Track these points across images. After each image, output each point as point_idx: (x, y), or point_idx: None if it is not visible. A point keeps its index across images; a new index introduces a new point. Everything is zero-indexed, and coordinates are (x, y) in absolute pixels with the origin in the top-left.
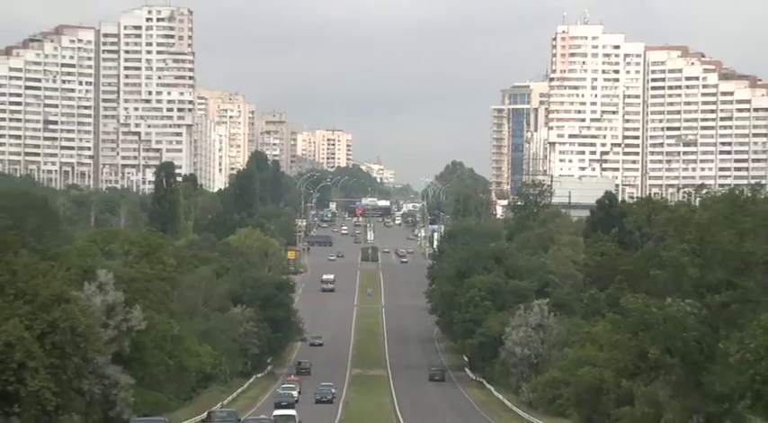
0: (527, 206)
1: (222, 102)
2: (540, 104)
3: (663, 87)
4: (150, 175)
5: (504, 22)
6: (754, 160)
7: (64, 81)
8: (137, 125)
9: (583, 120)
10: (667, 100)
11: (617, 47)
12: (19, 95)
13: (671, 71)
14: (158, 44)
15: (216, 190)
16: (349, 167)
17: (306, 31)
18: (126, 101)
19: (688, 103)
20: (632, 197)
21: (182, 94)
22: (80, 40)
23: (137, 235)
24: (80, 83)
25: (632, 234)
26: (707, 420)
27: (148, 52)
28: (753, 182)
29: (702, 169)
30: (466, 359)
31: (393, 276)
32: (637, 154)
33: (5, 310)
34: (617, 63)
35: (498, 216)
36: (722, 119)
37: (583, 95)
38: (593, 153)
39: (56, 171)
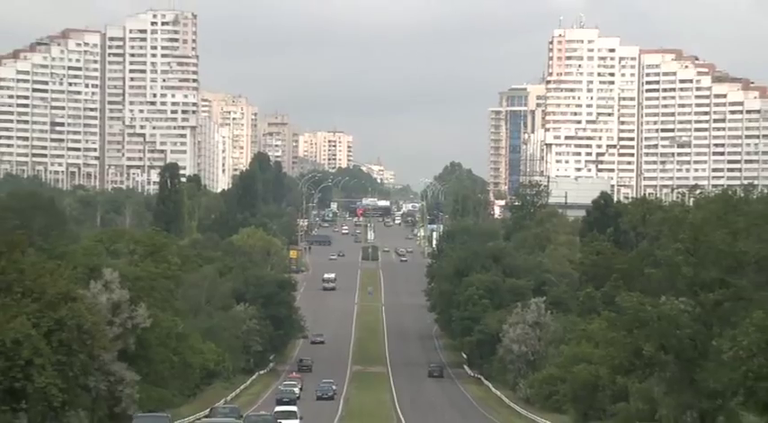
0: (524, 206)
1: (225, 104)
2: (537, 106)
3: (657, 90)
4: (155, 176)
5: (501, 26)
6: (746, 161)
7: (70, 84)
8: (142, 127)
9: (579, 122)
10: (662, 102)
11: (612, 50)
12: (26, 98)
13: (665, 74)
14: (163, 47)
15: (219, 190)
16: (350, 168)
17: (307, 34)
18: (131, 103)
19: (682, 106)
20: (627, 197)
21: (186, 96)
22: (86, 44)
23: (142, 234)
24: (86, 85)
25: (627, 233)
26: (700, 416)
27: (153, 55)
28: (745, 182)
29: (696, 170)
30: (464, 356)
31: (393, 275)
32: (632, 155)
33: (13, 308)
34: (612, 66)
35: (496, 216)
36: (715, 121)
37: (579, 98)
38: (588, 154)
39: (62, 172)
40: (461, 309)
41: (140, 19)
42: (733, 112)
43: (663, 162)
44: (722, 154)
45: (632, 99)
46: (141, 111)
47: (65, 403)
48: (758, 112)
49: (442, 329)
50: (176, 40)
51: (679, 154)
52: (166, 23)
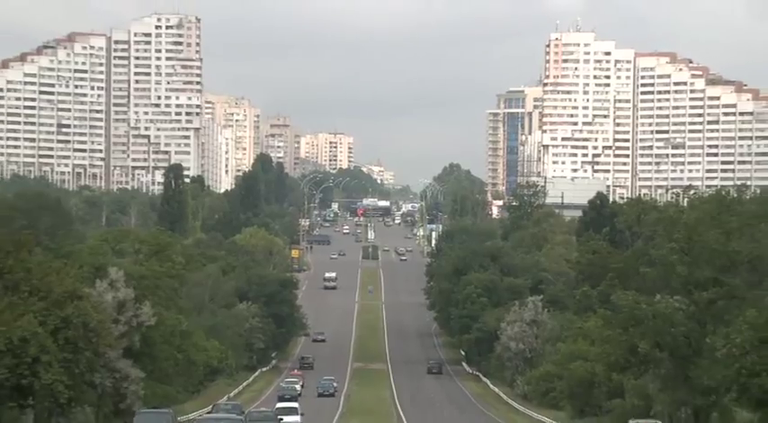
0: (522, 206)
1: (228, 106)
2: (535, 108)
3: (652, 92)
4: (159, 177)
5: (499, 30)
6: (739, 162)
7: (76, 86)
8: (146, 128)
9: (575, 123)
10: (656, 104)
11: (608, 53)
12: (33, 100)
13: (660, 77)
14: (167, 51)
15: (222, 191)
16: (350, 169)
17: (308, 37)
18: (136, 105)
19: (676, 108)
20: (623, 198)
21: (190, 98)
22: (92, 47)
23: (146, 234)
24: (92, 88)
25: (623, 233)
26: (694, 412)
27: (158, 58)
28: (738, 183)
29: (690, 171)
30: (463, 353)
31: (393, 274)
32: (627, 156)
33: (20, 306)
34: (608, 69)
35: (494, 216)
36: (709, 122)
37: (575, 100)
38: (585, 155)
39: (68, 173)
40: (460, 307)
41: (145, 23)
42: (726, 115)
43: (657, 163)
44: (716, 155)
45: (628, 101)
46: (146, 113)
47: (71, 400)
48: (751, 114)
49: (441, 327)
50: (180, 43)
51: (673, 155)
52: (171, 27)
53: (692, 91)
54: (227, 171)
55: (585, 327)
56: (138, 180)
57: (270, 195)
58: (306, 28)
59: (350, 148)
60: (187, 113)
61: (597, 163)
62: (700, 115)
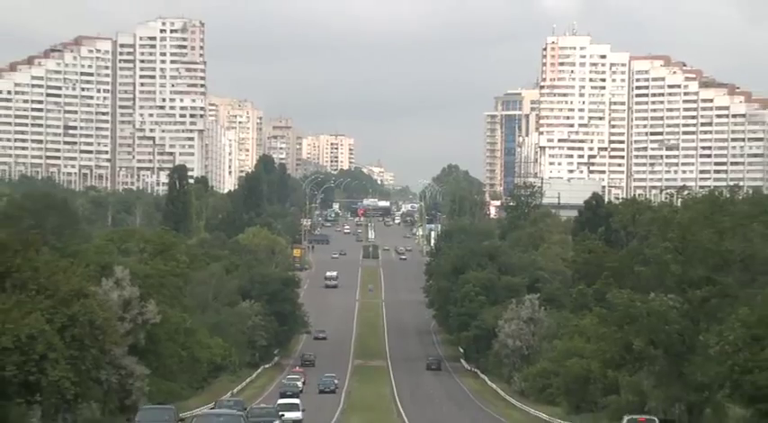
0: (519, 206)
1: (232, 108)
2: (531, 111)
3: (646, 95)
4: (164, 178)
5: (497, 34)
6: (732, 163)
7: (83, 89)
8: (151, 130)
9: (571, 125)
10: (651, 106)
11: (603, 56)
12: (40, 102)
13: (654, 79)
14: (172, 54)
15: (226, 191)
16: (351, 170)
17: (310, 41)
18: (141, 107)
19: (670, 110)
20: (618, 198)
21: (194, 100)
22: (98, 51)
23: (151, 234)
24: (98, 90)
25: (618, 233)
26: (688, 408)
27: (162, 61)
28: (731, 184)
29: (684, 172)
30: (461, 351)
31: (392, 273)
32: (622, 157)
33: (28, 304)
34: (603, 72)
35: (492, 216)
36: (702, 124)
37: (571, 102)
38: (581, 156)
39: (75, 173)
40: (458, 305)
41: (150, 27)
42: (719, 117)
43: (652, 164)
44: (709, 156)
45: (623, 103)
46: (151, 115)
47: (77, 396)
48: (743, 116)
49: (440, 325)
50: (184, 46)
51: (667, 156)
52: (175, 31)
53: (685, 93)
54: (230, 172)
55: (581, 324)
56: (143, 181)
57: (272, 196)
58: (307, 32)
59: (350, 149)
60: (191, 115)
61: (593, 164)
62: (693, 117)
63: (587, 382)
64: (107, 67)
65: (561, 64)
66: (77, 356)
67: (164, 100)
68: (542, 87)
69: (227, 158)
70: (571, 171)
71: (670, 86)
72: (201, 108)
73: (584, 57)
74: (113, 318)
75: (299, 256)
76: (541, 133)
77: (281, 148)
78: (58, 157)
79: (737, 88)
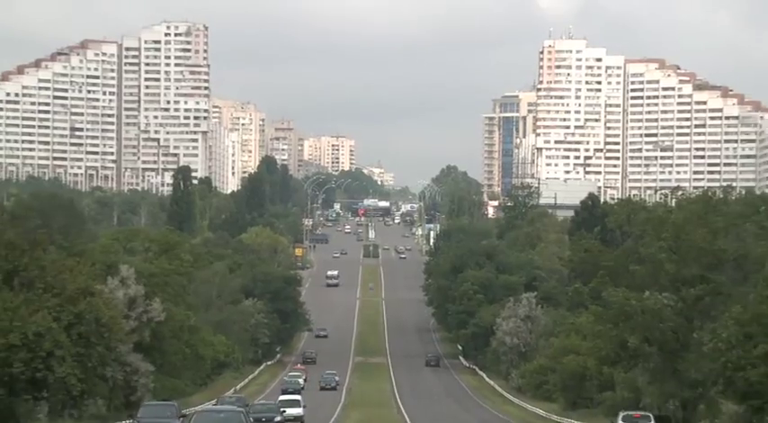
0: (516, 207)
1: (235, 110)
2: (529, 113)
3: (641, 97)
4: (168, 179)
5: (495, 38)
6: (725, 164)
7: (89, 91)
8: (156, 132)
9: (568, 127)
10: (645, 109)
11: (599, 60)
12: (47, 104)
13: (649, 82)
14: (176, 57)
15: (229, 192)
16: (352, 171)
17: (311, 45)
18: (146, 109)
19: (665, 112)
20: (613, 198)
21: (198, 103)
22: (104, 54)
23: (156, 233)
24: (104, 93)
25: (613, 232)
26: (682, 404)
27: (167, 64)
28: (724, 184)
29: (678, 173)
30: (460, 348)
31: (392, 272)
32: (617, 158)
33: (35, 302)
34: (599, 75)
35: (490, 216)
36: (696, 126)
37: (567, 104)
38: (577, 158)
39: (81, 174)
40: (457, 303)
41: (155, 30)
42: (713, 118)
43: (647, 165)
44: (703, 157)
45: (618, 106)
46: (156, 117)
47: (83, 392)
48: (736, 118)
49: (439, 323)
50: (189, 50)
51: (662, 157)
52: (179, 35)
53: (679, 96)
54: (233, 173)
55: (577, 322)
56: (148, 181)
57: (274, 196)
58: (308, 36)
59: (351, 150)
60: (195, 117)
61: (589, 165)
62: (687, 119)
63: (583, 378)
64: (113, 70)
65: (558, 67)
66: (83, 354)
67: (168, 102)
68: (539, 90)
69: (230, 159)
70: (567, 172)
71: (664, 89)
72: (205, 110)
73: (580, 60)
74: (119, 316)
75: (301, 255)
76: (538, 135)
77: (283, 150)
78: (65, 159)
79: (730, 91)
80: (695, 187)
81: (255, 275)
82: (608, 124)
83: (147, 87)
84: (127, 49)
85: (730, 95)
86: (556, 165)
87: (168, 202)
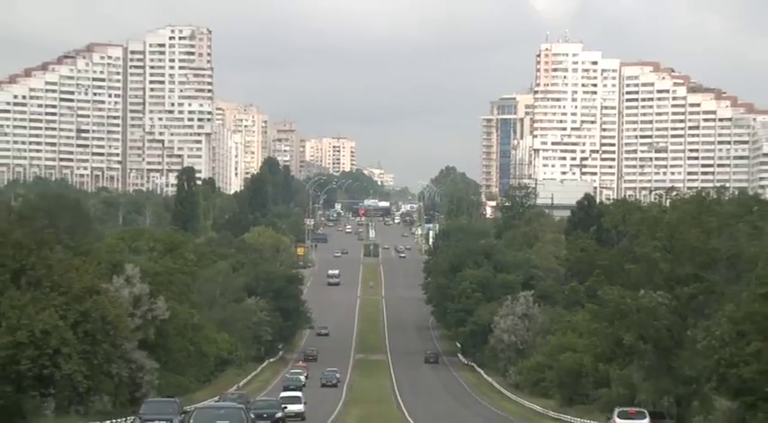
0: (514, 207)
1: (238, 112)
2: (526, 115)
3: (636, 99)
4: (173, 179)
5: (493, 41)
6: (719, 165)
7: (95, 93)
8: (161, 133)
9: (564, 129)
10: (640, 111)
11: (595, 63)
12: (54, 107)
13: (644, 85)
14: (180, 60)
15: (232, 192)
16: (353, 172)
17: (312, 48)
18: (151, 111)
19: (659, 114)
20: (609, 199)
21: (201, 105)
22: (109, 57)
23: (161, 233)
24: (109, 95)
25: (609, 232)
26: (677, 401)
27: (171, 67)
28: (718, 185)
29: (672, 173)
30: (458, 345)
31: (392, 270)
32: (613, 160)
33: (42, 301)
34: (595, 77)
35: (488, 216)
36: (690, 128)
37: (564, 107)
38: (573, 159)
39: (87, 175)
40: (456, 301)
41: (159, 34)
42: (706, 120)
43: (642, 166)
44: (696, 159)
45: (613, 108)
46: (160, 119)
47: (89, 389)
48: (730, 120)
49: (438, 321)
50: (193, 53)
51: (656, 158)
52: (183, 38)
53: (674, 98)
54: (236, 174)
55: (574, 320)
56: (152, 182)
57: (277, 196)
58: (310, 40)
59: (352, 151)
60: (199, 119)
61: (585, 166)
62: (681, 121)
63: (579, 375)
64: (118, 73)
65: (554, 70)
66: (89, 351)
67: (172, 104)
68: (536, 92)
69: (233, 161)
70: (564, 173)
71: (659, 91)
72: (209, 112)
73: (576, 63)
74: (124, 314)
75: (303, 254)
76: (535, 136)
77: (285, 151)
78: (71, 160)
79: (724, 93)
80: (689, 188)
81: (258, 274)
82: (604, 126)
83: (151, 90)
84: (132, 52)
85: (723, 98)
86: (552, 166)
87: (173, 202)
